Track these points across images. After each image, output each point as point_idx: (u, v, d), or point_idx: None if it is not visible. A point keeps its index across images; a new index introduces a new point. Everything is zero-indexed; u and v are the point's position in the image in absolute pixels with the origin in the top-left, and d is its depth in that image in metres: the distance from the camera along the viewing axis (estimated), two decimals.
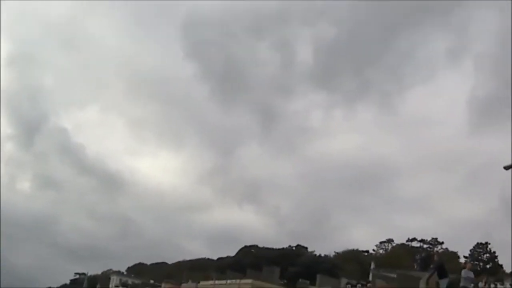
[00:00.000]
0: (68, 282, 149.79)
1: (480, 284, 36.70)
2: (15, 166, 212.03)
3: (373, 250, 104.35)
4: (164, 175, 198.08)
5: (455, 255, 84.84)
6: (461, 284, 23.72)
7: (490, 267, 79.14)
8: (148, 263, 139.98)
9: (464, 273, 23.96)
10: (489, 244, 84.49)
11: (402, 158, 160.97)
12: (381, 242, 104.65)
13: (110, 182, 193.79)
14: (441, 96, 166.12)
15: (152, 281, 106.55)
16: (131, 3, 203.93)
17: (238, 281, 74.94)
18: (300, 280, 71.52)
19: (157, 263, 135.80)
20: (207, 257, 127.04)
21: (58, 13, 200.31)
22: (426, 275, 29.93)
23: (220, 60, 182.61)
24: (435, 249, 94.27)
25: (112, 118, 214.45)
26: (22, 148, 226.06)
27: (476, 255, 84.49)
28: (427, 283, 26.06)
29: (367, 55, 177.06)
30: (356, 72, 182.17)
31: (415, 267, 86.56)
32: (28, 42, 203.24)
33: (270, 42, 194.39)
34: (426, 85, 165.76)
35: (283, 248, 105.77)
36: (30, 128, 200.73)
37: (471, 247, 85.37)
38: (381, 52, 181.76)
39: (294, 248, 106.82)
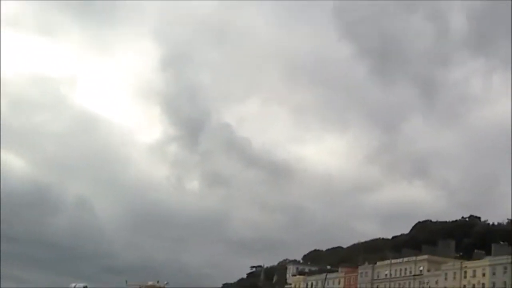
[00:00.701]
0: (245, 276, 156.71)
1: None
2: (182, 166, 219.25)
3: None
4: (331, 158, 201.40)
5: None
6: None
7: None
8: (324, 249, 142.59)
9: None
10: None
11: None
12: None
13: (278, 172, 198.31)
14: None
15: (328, 267, 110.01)
16: None
17: (414, 258, 76.89)
18: (476, 251, 71.66)
19: (332, 248, 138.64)
20: (381, 237, 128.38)
21: (207, 11, 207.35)
22: None
23: (375, 37, 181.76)
24: None
25: (273, 108, 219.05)
26: (187, 148, 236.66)
27: None
28: None
29: None
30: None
31: None
32: (181, 43, 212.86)
33: (422, 14, 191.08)
34: None
35: (456, 220, 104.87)
36: (193, 128, 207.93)
37: None
38: None
39: (467, 219, 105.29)
